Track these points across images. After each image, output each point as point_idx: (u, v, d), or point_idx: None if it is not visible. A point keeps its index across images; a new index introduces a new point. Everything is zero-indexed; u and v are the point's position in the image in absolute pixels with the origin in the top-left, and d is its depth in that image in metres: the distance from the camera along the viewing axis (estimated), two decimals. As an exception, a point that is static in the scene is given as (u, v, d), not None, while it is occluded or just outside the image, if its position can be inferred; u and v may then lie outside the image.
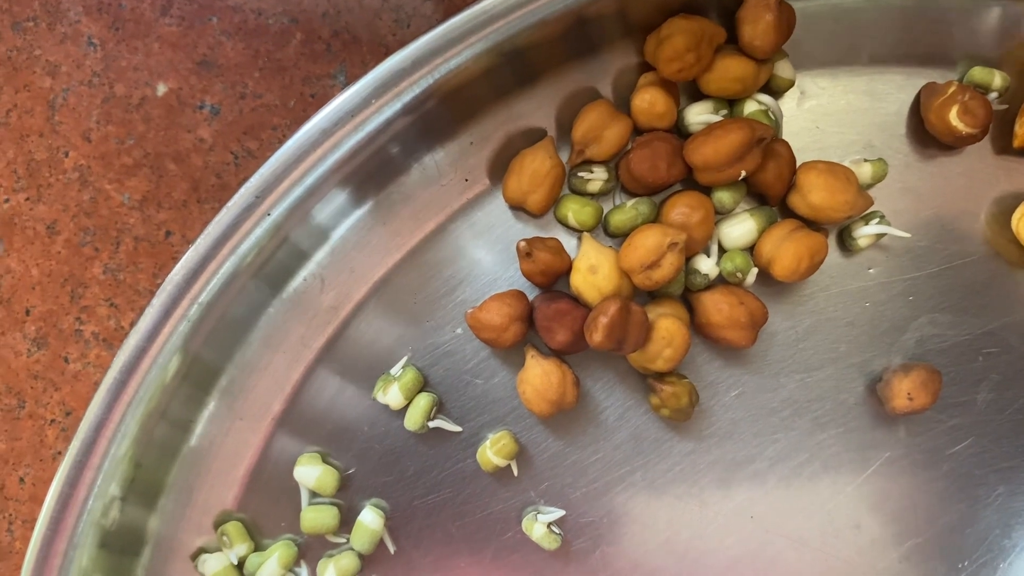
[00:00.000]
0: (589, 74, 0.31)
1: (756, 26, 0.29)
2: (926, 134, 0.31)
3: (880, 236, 0.31)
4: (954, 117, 0.30)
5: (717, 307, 0.29)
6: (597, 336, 0.28)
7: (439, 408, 0.31)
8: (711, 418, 0.31)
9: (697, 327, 0.30)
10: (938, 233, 0.31)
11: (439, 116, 0.30)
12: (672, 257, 0.28)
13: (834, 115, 0.31)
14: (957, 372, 0.31)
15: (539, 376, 0.29)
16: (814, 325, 0.31)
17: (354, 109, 0.28)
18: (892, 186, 0.31)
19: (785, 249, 0.29)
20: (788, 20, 0.29)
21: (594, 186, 0.30)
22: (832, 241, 0.31)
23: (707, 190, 0.30)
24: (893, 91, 0.31)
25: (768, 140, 0.29)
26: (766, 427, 0.31)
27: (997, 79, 0.30)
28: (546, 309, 0.29)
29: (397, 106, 0.29)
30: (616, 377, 0.31)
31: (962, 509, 0.31)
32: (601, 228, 0.31)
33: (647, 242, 0.28)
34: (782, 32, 0.29)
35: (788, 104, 0.31)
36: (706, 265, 0.30)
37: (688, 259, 0.30)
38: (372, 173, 0.30)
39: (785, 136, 0.31)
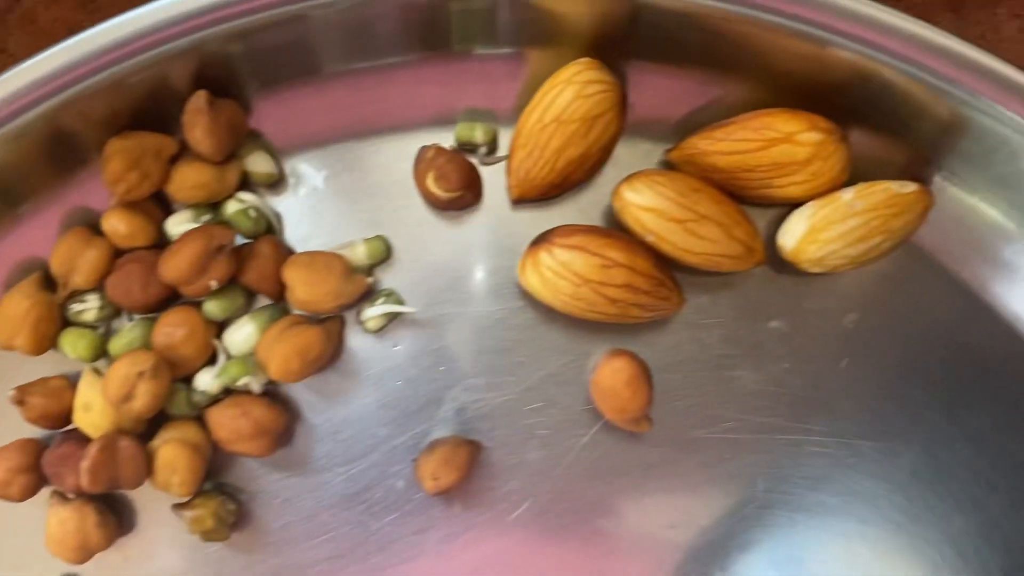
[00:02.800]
0: (85, 195, 0.30)
1: (194, 132, 0.28)
2: (431, 198, 0.30)
3: (394, 314, 0.30)
4: (431, 183, 0.29)
5: (220, 423, 0.28)
6: (84, 482, 0.27)
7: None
8: (263, 528, 0.30)
9: (215, 444, 0.29)
10: (459, 297, 0.30)
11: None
12: (146, 385, 0.27)
13: (334, 197, 0.30)
14: (504, 434, 0.30)
15: (54, 526, 0.28)
16: (350, 414, 0.30)
17: None
18: (405, 258, 0.30)
19: (275, 351, 0.28)
20: (232, 119, 0.28)
21: (89, 315, 0.29)
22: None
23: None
24: (391, 160, 0.30)
25: (229, 246, 0.28)
26: (318, 527, 0.30)
27: (478, 133, 0.29)
28: (49, 455, 0.28)
29: None
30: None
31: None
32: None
33: (115, 374, 0.27)
34: (224, 133, 0.28)
35: (286, 193, 0.30)
36: (203, 381, 0.29)
37: (190, 377, 0.29)
38: None
39: (288, 225, 0.30)
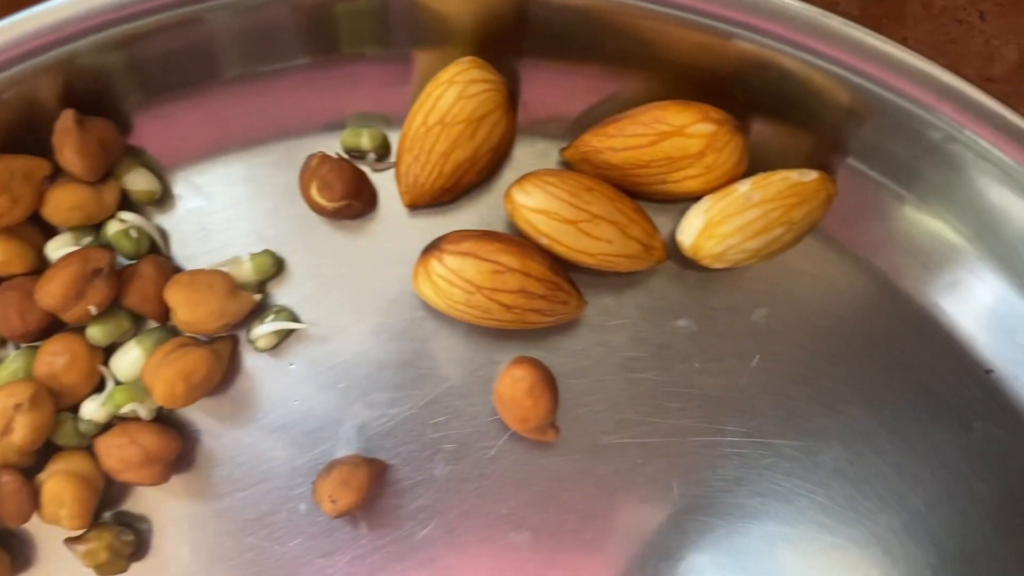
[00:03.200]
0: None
1: (64, 152, 0.27)
2: (322, 209, 0.29)
3: (287, 331, 0.29)
4: (315, 192, 0.28)
5: (107, 452, 0.27)
6: (-42, 519, 0.26)
7: None
8: (164, 557, 0.29)
9: (107, 474, 0.28)
10: (356, 310, 0.29)
11: None
12: (25, 417, 0.26)
13: (219, 212, 0.29)
14: (408, 450, 0.29)
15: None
16: (247, 436, 0.29)
17: None
18: (298, 272, 0.29)
19: (159, 375, 0.27)
20: (104, 136, 0.27)
21: (-30, 346, 0.28)
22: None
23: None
24: (275, 172, 0.29)
25: (107, 268, 0.27)
26: (221, 554, 0.29)
27: (365, 139, 0.28)
28: (-70, 494, 0.27)
29: None
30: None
31: (444, 594, 0.29)
32: None
33: (-9, 408, 0.26)
34: (96, 152, 0.27)
35: (173, 210, 0.29)
36: (89, 409, 0.27)
37: (79, 406, 0.28)
38: None
39: (174, 242, 0.29)
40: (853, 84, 0.27)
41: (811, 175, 0.27)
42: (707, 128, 0.26)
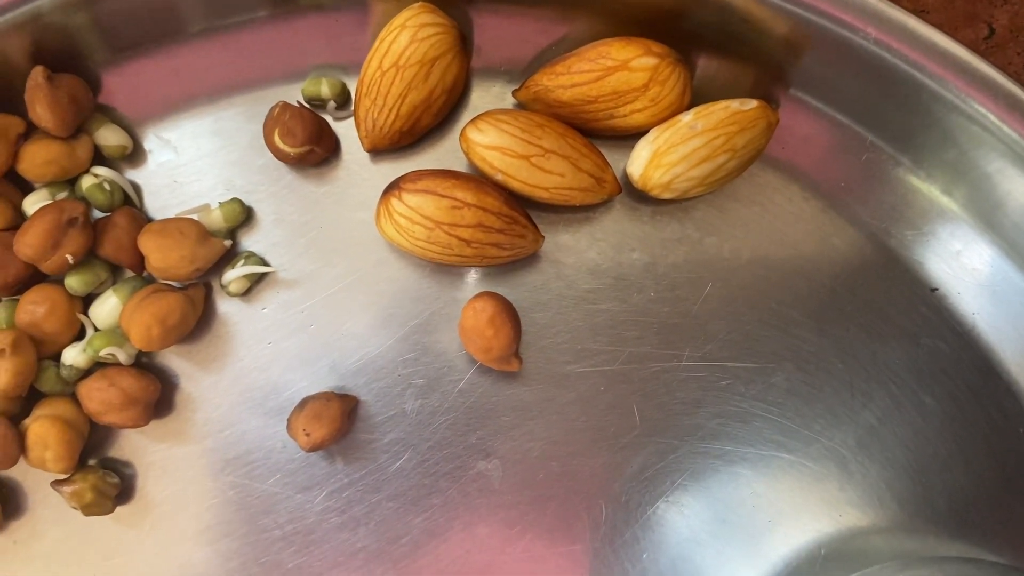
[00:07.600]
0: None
1: (35, 108, 0.28)
2: (288, 158, 0.30)
3: (258, 276, 0.30)
4: (278, 139, 0.29)
5: (89, 395, 0.28)
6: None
7: None
8: (149, 499, 0.30)
9: (92, 418, 0.29)
10: (323, 255, 0.30)
11: None
12: (6, 363, 0.27)
13: (188, 164, 0.30)
14: (379, 387, 0.30)
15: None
16: (223, 379, 0.30)
17: None
18: (266, 219, 0.30)
19: (135, 319, 0.28)
20: (74, 92, 0.28)
21: (-46, 301, 0.29)
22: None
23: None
24: (240, 123, 0.30)
25: (81, 218, 0.28)
26: (203, 494, 0.30)
27: (324, 88, 0.29)
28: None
29: None
30: (40, 484, 0.30)
31: (418, 523, 0.30)
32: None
33: (-28, 355, 0.27)
34: (67, 107, 0.28)
35: (144, 164, 0.30)
36: (70, 355, 0.29)
37: (59, 355, 0.29)
38: None
39: (147, 195, 0.30)
40: (789, 14, 0.28)
41: (751, 104, 0.28)
42: (649, 61, 0.28)
